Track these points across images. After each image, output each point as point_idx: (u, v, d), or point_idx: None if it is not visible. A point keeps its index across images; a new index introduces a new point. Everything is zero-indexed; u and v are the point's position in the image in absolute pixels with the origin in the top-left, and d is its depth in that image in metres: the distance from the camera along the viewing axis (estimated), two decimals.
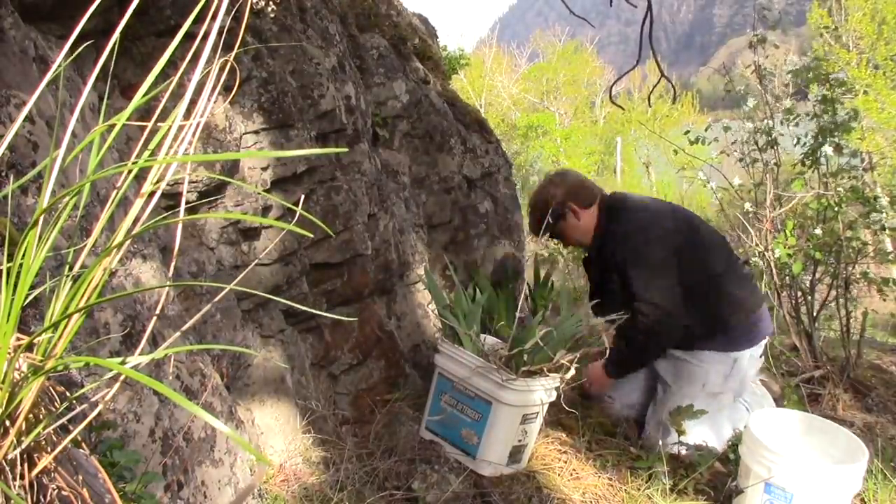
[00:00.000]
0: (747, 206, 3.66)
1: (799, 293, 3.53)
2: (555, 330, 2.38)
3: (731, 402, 2.69)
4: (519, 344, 2.29)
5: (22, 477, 0.64)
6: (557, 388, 2.45)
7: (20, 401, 0.64)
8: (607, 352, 2.67)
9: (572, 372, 2.33)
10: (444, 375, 2.57)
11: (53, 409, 0.71)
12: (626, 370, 2.69)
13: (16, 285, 0.65)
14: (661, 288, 2.42)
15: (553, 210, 2.69)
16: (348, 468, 2.40)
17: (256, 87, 2.49)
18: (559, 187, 2.73)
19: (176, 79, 0.73)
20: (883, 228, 3.26)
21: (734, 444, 2.44)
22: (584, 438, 2.69)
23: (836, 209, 3.27)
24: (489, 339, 2.63)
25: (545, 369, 2.28)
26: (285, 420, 2.46)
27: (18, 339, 0.67)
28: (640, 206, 2.69)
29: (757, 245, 3.62)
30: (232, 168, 2.36)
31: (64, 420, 0.71)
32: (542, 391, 2.36)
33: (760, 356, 2.70)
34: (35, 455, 0.67)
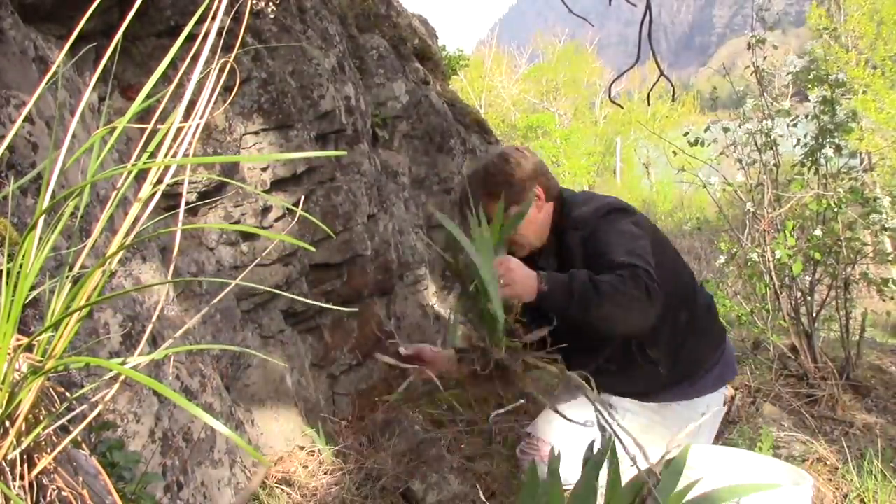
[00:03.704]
0: (748, 205, 3.66)
1: (798, 294, 3.53)
2: None
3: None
4: None
5: (22, 477, 0.65)
6: None
7: (20, 401, 0.64)
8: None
9: None
10: None
11: (53, 410, 0.71)
12: (568, 298, 1.72)
13: (16, 286, 0.65)
14: (644, 254, 1.78)
15: (511, 188, 1.91)
16: (348, 468, 2.40)
17: (256, 87, 2.49)
18: (526, 161, 1.98)
19: (176, 80, 0.74)
20: (884, 229, 3.26)
21: None
22: None
23: (835, 210, 3.27)
24: None
25: None
26: (285, 420, 2.46)
27: (18, 339, 0.67)
28: (601, 194, 2.11)
29: (756, 245, 3.62)
30: (231, 169, 2.36)
31: (64, 420, 0.71)
32: None
33: (724, 405, 2.10)
34: (35, 455, 0.67)
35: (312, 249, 0.67)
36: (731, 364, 2.08)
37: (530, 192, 1.95)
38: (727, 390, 2.07)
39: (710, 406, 1.99)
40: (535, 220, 1.98)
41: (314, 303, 0.90)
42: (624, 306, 1.70)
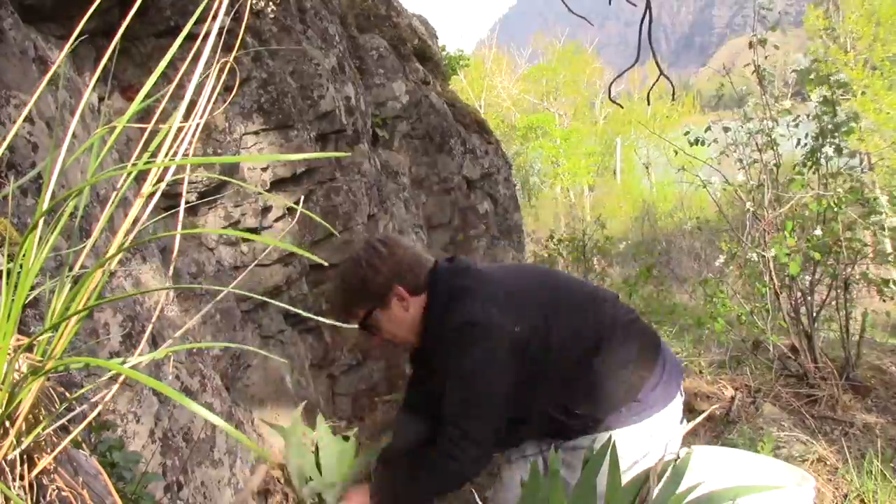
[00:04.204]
0: (748, 205, 3.66)
1: (798, 294, 3.53)
2: None
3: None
4: None
5: (22, 477, 0.65)
6: None
7: (20, 401, 0.64)
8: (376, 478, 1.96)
9: None
10: None
11: (53, 410, 0.71)
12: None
13: (16, 286, 0.65)
14: (482, 418, 1.77)
15: (369, 294, 1.85)
16: None
17: (256, 87, 2.49)
18: (383, 263, 1.85)
19: (176, 80, 0.74)
20: (883, 229, 3.27)
21: None
22: None
23: (835, 210, 3.27)
24: None
25: None
26: (285, 420, 2.46)
27: (18, 339, 0.67)
28: (472, 286, 1.89)
29: (756, 245, 3.62)
30: (231, 169, 2.36)
31: (64, 420, 0.71)
32: None
33: (681, 420, 2.00)
34: (35, 455, 0.67)
35: (311, 256, 0.67)
36: (675, 374, 1.96)
37: (392, 290, 1.84)
38: (681, 397, 1.97)
39: (666, 420, 1.91)
40: (404, 320, 1.89)
41: (310, 316, 0.90)
42: (452, 483, 1.87)
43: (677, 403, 1.95)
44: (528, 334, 1.82)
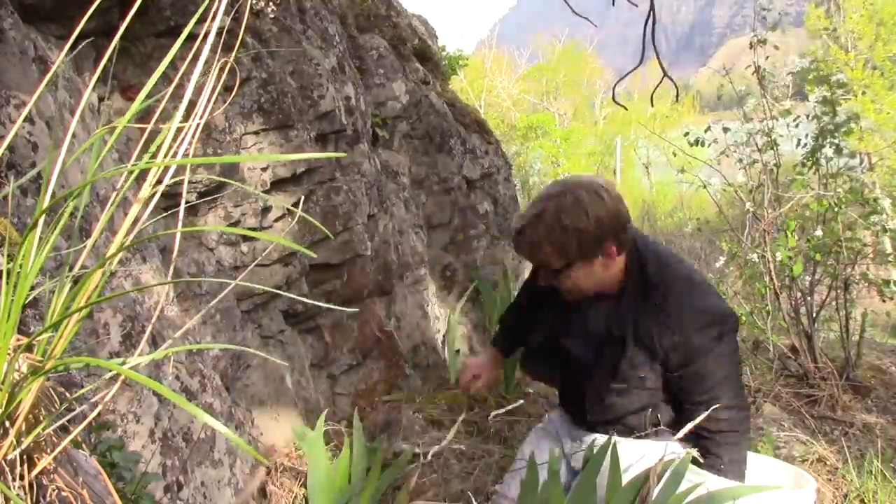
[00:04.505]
0: (748, 206, 3.66)
1: (798, 294, 3.53)
2: None
3: None
4: None
5: (22, 477, 0.65)
6: None
7: (20, 401, 0.64)
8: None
9: None
10: None
11: (53, 410, 0.71)
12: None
13: (16, 286, 0.65)
14: (736, 384, 1.76)
15: (580, 249, 1.64)
16: None
17: (256, 87, 2.49)
18: (606, 210, 1.63)
19: (176, 80, 0.74)
20: (884, 230, 3.27)
21: None
22: None
23: (835, 210, 3.27)
24: None
25: None
26: (285, 420, 2.46)
27: (18, 339, 0.67)
28: (679, 263, 1.80)
29: (757, 245, 3.63)
30: (231, 169, 2.36)
31: (64, 421, 0.71)
32: None
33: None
34: (35, 456, 0.67)
35: (312, 255, 0.67)
36: None
37: (603, 248, 1.65)
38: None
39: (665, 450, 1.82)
40: (599, 276, 1.72)
41: (315, 304, 0.90)
42: (742, 453, 1.79)
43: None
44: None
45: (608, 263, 1.69)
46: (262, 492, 2.14)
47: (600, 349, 1.75)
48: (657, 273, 1.71)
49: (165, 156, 0.69)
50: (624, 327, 1.72)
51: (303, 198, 2.64)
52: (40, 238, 0.70)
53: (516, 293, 2.21)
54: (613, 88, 3.19)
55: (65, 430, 0.73)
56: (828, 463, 2.62)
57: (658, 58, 2.55)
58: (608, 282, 1.74)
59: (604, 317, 1.76)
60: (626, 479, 1.70)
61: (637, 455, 1.80)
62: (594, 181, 1.69)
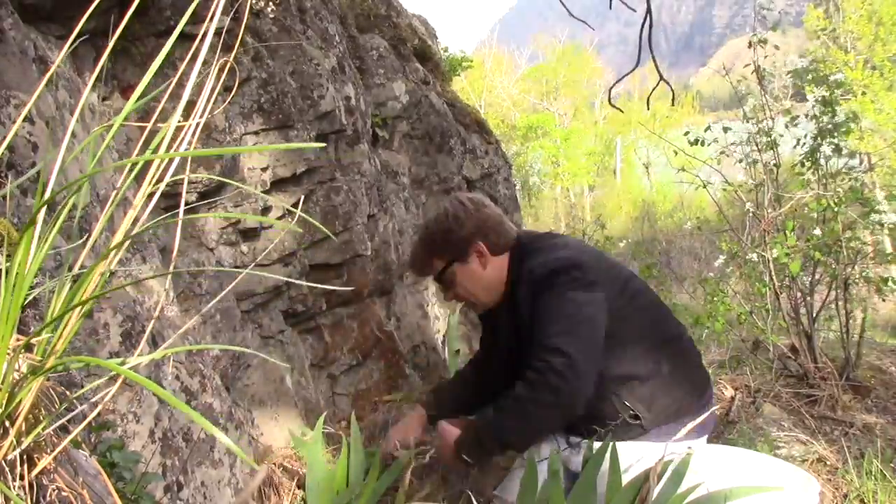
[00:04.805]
0: (748, 206, 3.66)
1: (798, 294, 3.53)
2: None
3: None
4: None
5: (22, 477, 0.65)
6: None
7: (20, 401, 0.64)
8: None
9: None
10: None
11: (53, 410, 0.71)
12: (492, 447, 1.79)
13: (15, 285, 0.65)
14: (585, 352, 1.66)
15: (450, 247, 1.90)
16: None
17: (256, 87, 2.49)
18: (461, 212, 1.91)
19: (175, 79, 0.74)
20: (881, 225, 3.27)
21: None
22: None
23: (835, 210, 3.27)
24: None
25: None
26: (285, 420, 2.46)
27: (18, 339, 0.67)
28: (560, 243, 1.94)
29: (756, 245, 3.63)
30: (231, 169, 2.36)
31: (64, 420, 0.71)
32: None
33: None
34: (35, 455, 0.67)
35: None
36: (709, 423, 1.94)
37: (473, 245, 1.91)
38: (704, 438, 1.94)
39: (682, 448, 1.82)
40: (481, 278, 1.92)
41: (319, 287, 0.90)
42: (535, 417, 1.69)
43: (701, 442, 1.95)
44: (614, 294, 1.80)
45: (483, 262, 1.92)
46: (262, 492, 2.14)
47: (522, 350, 1.82)
48: (530, 261, 1.86)
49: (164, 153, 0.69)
50: (523, 320, 1.83)
51: (303, 198, 2.64)
52: (39, 237, 0.70)
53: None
54: (609, 91, 3.19)
55: (65, 430, 0.73)
56: (828, 463, 2.61)
57: (654, 61, 2.56)
58: (495, 284, 1.93)
59: (507, 322, 1.93)
60: (625, 479, 1.71)
61: (636, 455, 1.81)
62: (460, 196, 2.02)
